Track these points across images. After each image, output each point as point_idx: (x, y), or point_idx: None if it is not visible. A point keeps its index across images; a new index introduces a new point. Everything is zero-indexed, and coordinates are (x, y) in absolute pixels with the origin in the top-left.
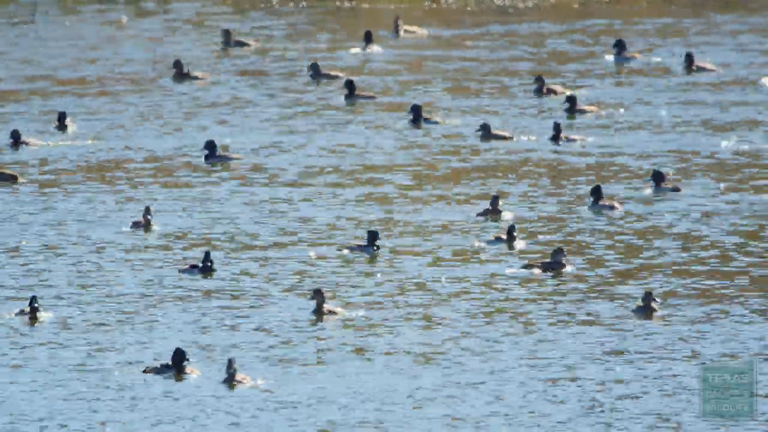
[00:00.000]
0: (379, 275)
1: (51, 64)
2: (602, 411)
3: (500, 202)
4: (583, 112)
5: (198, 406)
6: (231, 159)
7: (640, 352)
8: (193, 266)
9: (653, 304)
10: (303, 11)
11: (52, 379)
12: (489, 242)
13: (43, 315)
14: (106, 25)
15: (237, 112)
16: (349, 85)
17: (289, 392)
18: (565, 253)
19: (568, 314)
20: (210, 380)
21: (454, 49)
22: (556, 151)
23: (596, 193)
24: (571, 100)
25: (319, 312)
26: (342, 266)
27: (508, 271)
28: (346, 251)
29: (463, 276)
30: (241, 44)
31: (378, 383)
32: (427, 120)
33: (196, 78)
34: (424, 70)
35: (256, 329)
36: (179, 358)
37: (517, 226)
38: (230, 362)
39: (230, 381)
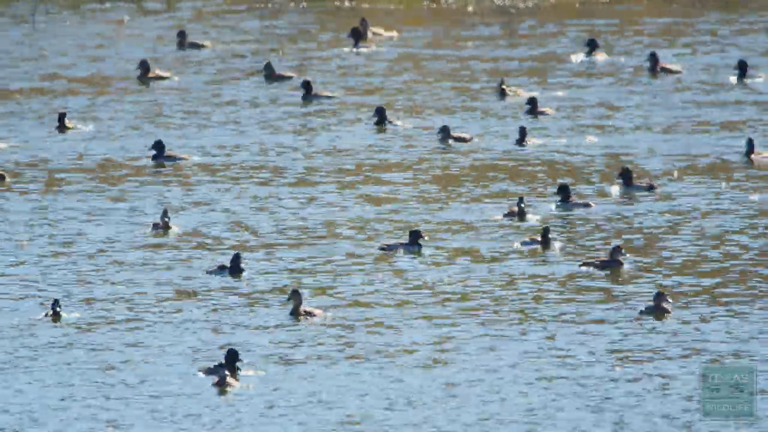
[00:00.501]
0: (380, 275)
1: (51, 64)
2: (603, 410)
3: (524, 204)
4: (544, 113)
5: (190, 407)
6: (179, 159)
7: (643, 351)
8: (222, 267)
9: (664, 305)
10: (305, 11)
11: (66, 380)
12: (524, 243)
13: (65, 317)
14: (108, 24)
15: (191, 112)
16: (306, 86)
17: (283, 394)
18: (624, 251)
19: (577, 313)
20: (205, 383)
21: (443, 48)
22: (523, 154)
23: (564, 191)
24: (532, 101)
25: (296, 313)
26: (379, 266)
27: (568, 269)
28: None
29: (499, 276)
30: (197, 46)
31: (379, 383)
32: (390, 122)
33: (161, 78)
34: (398, 71)
35: (257, 329)
36: (232, 358)
37: (551, 228)
38: (223, 365)
39: (222, 384)
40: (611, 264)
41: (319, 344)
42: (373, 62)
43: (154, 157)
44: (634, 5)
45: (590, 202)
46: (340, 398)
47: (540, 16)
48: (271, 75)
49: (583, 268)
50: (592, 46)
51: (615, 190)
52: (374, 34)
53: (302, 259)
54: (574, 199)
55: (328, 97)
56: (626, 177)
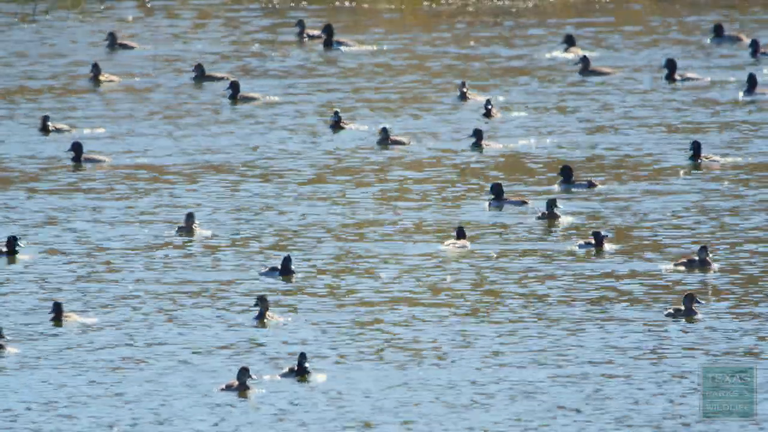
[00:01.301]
0: (382, 274)
1: (51, 64)
2: (604, 409)
3: (555, 206)
4: (496, 116)
5: (210, 412)
6: (99, 161)
7: (644, 351)
8: (273, 269)
9: (695, 307)
10: (305, 11)
11: (74, 381)
12: (579, 246)
13: (76, 318)
14: (111, 23)
15: (120, 114)
16: (234, 87)
17: (294, 395)
18: (709, 251)
19: (591, 314)
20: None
21: (432, 48)
22: (483, 156)
23: (497, 190)
24: (489, 104)
25: (261, 319)
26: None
27: (664, 267)
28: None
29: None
30: (126, 47)
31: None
32: (346, 124)
33: (111, 81)
34: (358, 72)
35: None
36: (302, 360)
37: (604, 234)
38: (244, 371)
39: (242, 389)
40: (699, 263)
41: (335, 346)
42: (337, 64)
43: (73, 159)
44: (634, 4)
45: (525, 200)
46: (350, 398)
47: (540, 16)
48: (201, 76)
49: (673, 267)
50: (569, 42)
51: (555, 187)
52: (311, 37)
53: (311, 260)
54: (505, 197)
55: (254, 99)
56: (567, 175)
